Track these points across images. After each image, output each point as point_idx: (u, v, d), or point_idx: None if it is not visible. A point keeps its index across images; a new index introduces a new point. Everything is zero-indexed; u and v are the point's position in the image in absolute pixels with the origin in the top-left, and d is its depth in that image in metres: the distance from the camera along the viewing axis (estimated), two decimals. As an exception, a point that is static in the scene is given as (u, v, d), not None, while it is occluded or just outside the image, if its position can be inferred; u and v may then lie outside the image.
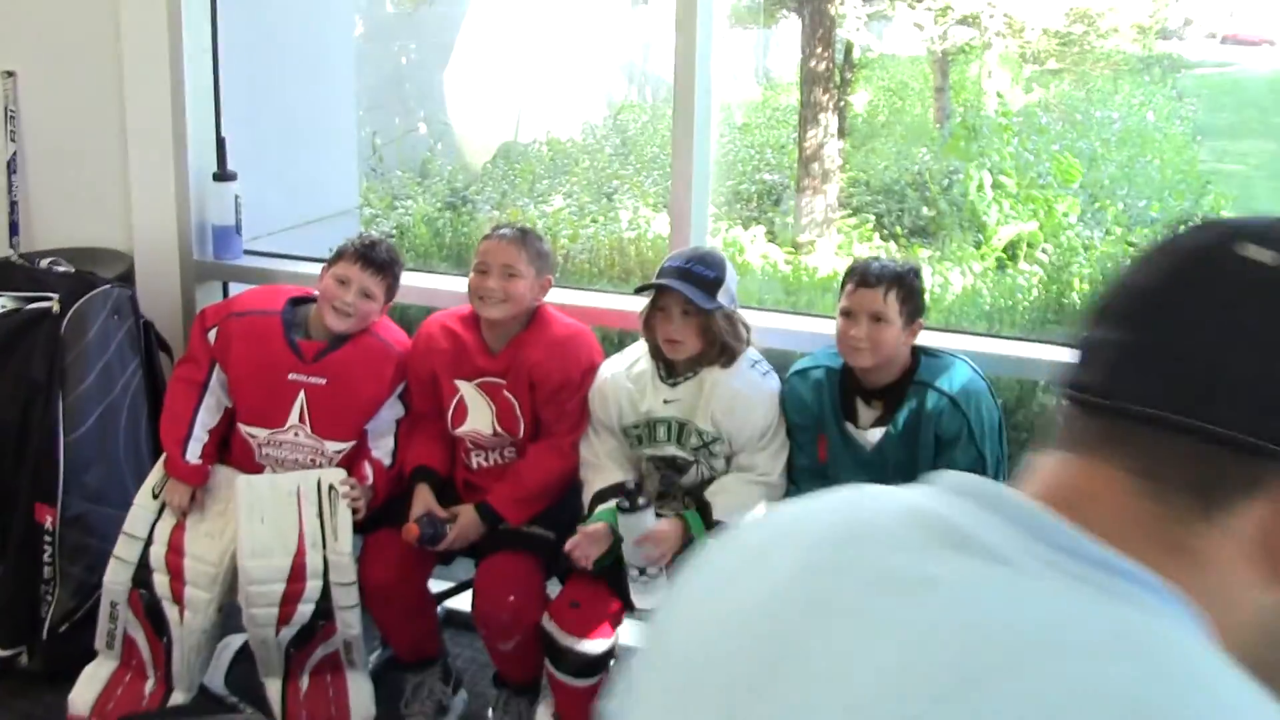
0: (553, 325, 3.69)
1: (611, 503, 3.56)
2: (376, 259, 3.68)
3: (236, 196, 4.36)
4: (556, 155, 8.37)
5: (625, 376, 3.47)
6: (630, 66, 10.03)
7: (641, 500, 3.26)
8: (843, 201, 7.81)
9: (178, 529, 3.72)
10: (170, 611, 3.64)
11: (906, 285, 3.30)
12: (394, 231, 6.03)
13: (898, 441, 3.38)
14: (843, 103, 7.98)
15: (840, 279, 3.51)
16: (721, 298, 3.31)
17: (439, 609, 3.97)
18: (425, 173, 7.60)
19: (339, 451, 3.68)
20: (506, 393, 3.63)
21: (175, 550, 3.66)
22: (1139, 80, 9.35)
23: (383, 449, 3.77)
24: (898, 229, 7.34)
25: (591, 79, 9.61)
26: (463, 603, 3.97)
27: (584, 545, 3.40)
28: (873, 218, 7.72)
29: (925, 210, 7.61)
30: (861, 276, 3.34)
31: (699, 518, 3.40)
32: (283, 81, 4.75)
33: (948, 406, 3.34)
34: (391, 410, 3.77)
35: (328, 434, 3.66)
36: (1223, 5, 10.37)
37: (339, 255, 3.67)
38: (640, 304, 4.12)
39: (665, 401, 3.40)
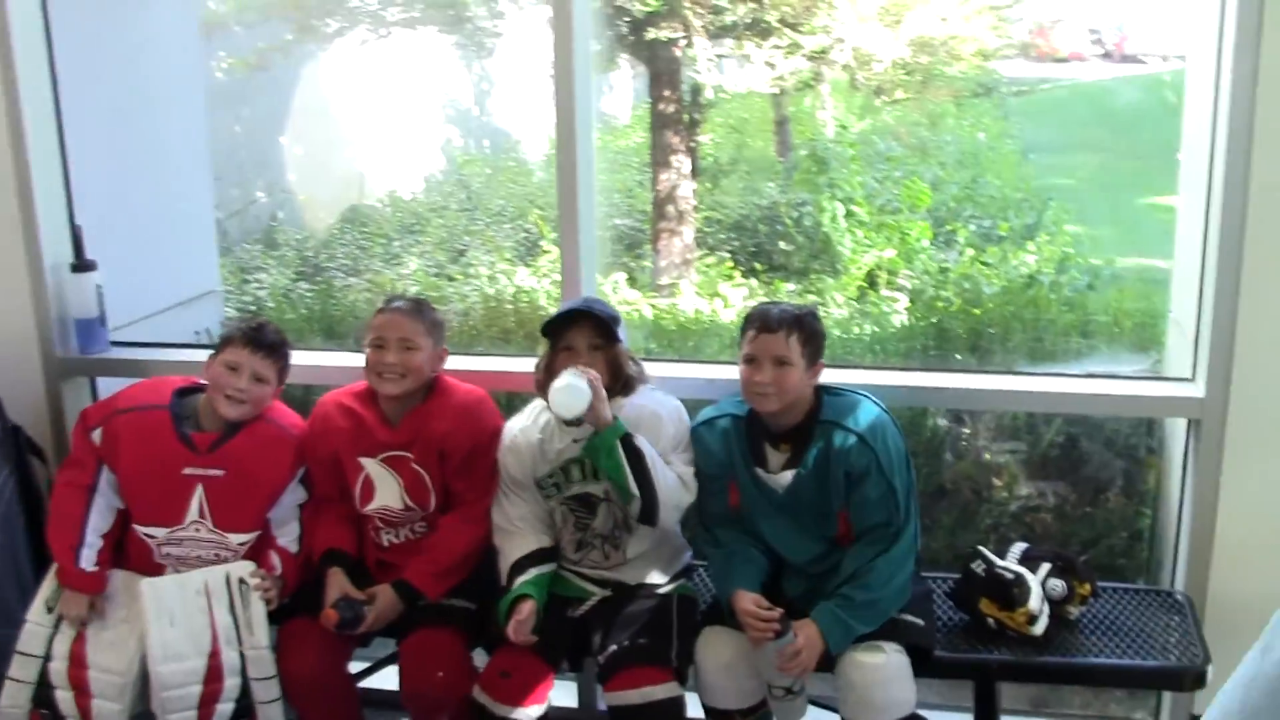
0: (454, 393, 3.66)
1: (531, 573, 3.51)
2: (266, 341, 3.61)
3: (98, 286, 4.22)
4: (403, 215, 8.26)
5: (534, 429, 3.50)
6: (465, 118, 9.97)
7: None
8: (699, 241, 7.82)
9: (78, 641, 3.58)
10: (76, 729, 3.39)
11: (807, 327, 3.36)
12: (255, 308, 5.84)
13: (809, 481, 3.40)
14: (693, 143, 7.99)
15: (740, 324, 3.55)
16: (620, 332, 3.34)
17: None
18: (271, 243, 7.44)
19: (243, 544, 3.59)
20: (414, 465, 3.58)
21: (77, 664, 3.54)
22: (972, 104, 9.53)
23: (288, 536, 3.69)
24: (757, 265, 7.35)
25: (428, 133, 9.53)
26: (380, 681, 3.88)
27: (521, 631, 3.37)
28: (727, 255, 7.74)
29: (782, 245, 7.66)
30: (762, 322, 3.38)
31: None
32: (134, 162, 4.61)
33: (856, 443, 3.37)
34: (293, 495, 3.69)
35: (230, 527, 3.57)
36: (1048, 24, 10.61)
37: (225, 341, 3.60)
38: (524, 365, 4.09)
39: (575, 441, 3.41)
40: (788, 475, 3.49)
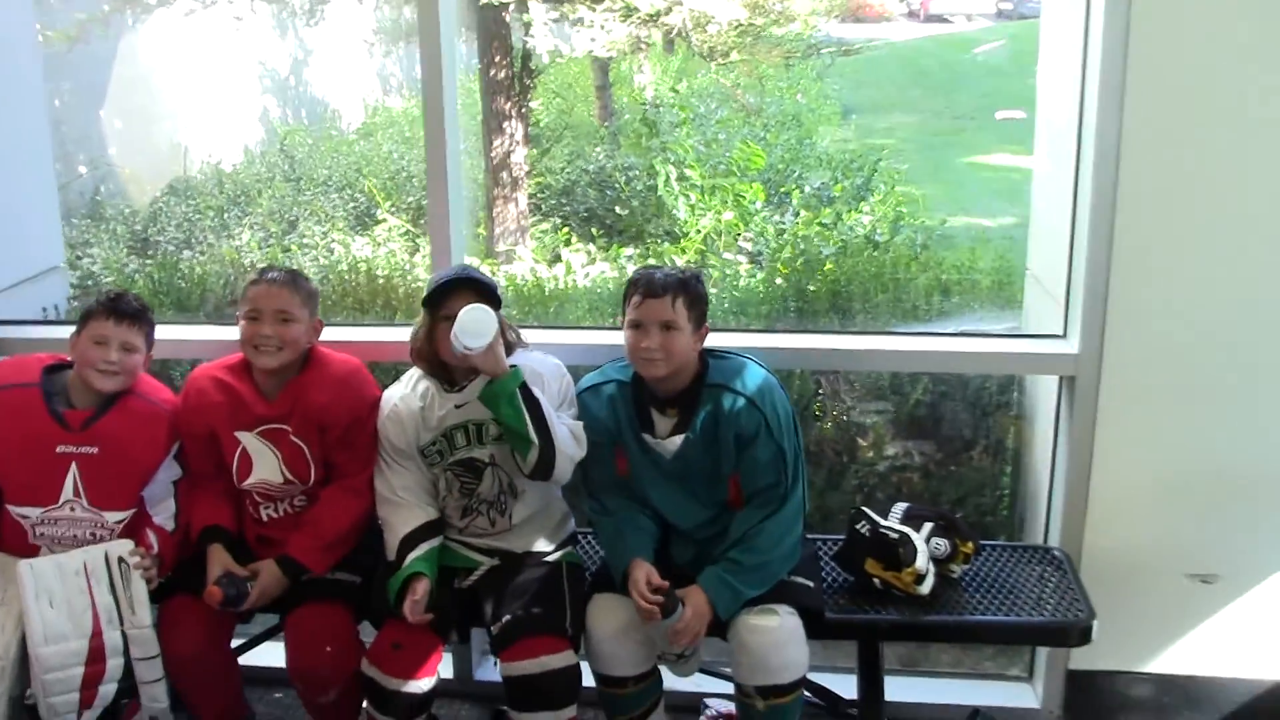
0: (330, 363, 3.56)
1: (422, 549, 3.40)
2: (129, 310, 3.49)
3: (-57, 264, 3.94)
4: (231, 187, 8.00)
5: (414, 397, 3.39)
6: (283, 88, 9.71)
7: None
8: (532, 208, 7.71)
9: (-47, 626, 3.31)
10: (-47, 715, 3.22)
11: (692, 290, 3.30)
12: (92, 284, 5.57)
13: (698, 446, 3.34)
14: (525, 109, 7.86)
15: (623, 290, 3.44)
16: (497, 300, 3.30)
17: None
18: (98, 217, 7.13)
19: (119, 522, 3.44)
20: (293, 438, 3.47)
21: (-47, 648, 3.21)
22: (794, 66, 9.57)
23: (163, 514, 3.54)
24: (593, 230, 7.27)
25: (247, 104, 9.26)
26: (261, 657, 3.77)
27: (417, 611, 3.27)
28: (559, 221, 7.65)
29: (617, 210, 7.58)
30: (647, 286, 3.30)
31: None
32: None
33: (745, 406, 3.32)
34: (168, 472, 3.53)
35: (105, 504, 3.43)
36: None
37: (87, 316, 3.48)
38: (395, 335, 3.94)
39: (456, 407, 3.33)
40: (676, 440, 3.42)
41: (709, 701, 3.96)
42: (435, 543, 3.50)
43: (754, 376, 3.42)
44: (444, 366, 3.45)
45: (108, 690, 3.41)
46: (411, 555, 3.43)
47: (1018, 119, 10.92)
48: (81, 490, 3.47)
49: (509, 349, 3.42)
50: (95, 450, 3.47)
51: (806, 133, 9.21)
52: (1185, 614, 3.94)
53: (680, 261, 6.45)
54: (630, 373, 3.48)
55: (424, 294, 3.45)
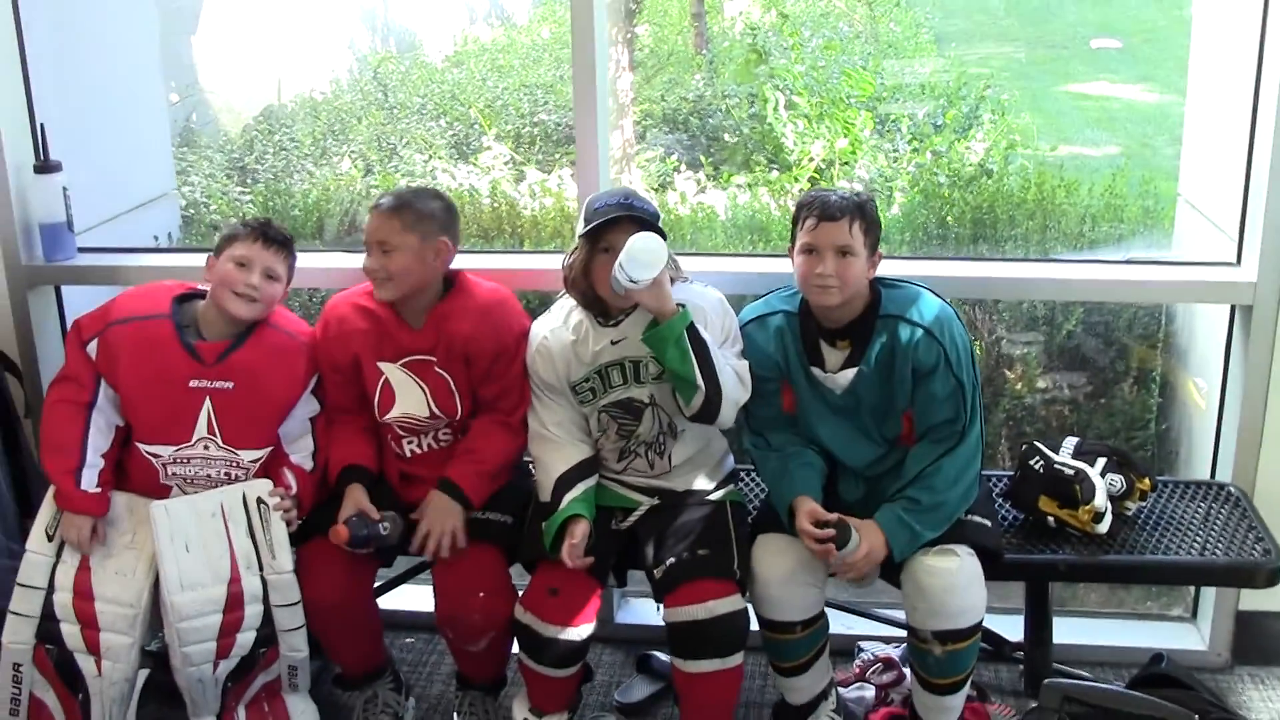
0: (475, 292, 3.44)
1: (579, 489, 3.31)
2: (275, 235, 3.40)
3: (65, 189, 3.89)
4: (328, 115, 7.91)
5: (565, 330, 3.21)
6: (371, 17, 9.60)
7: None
8: (639, 135, 7.57)
9: (82, 571, 3.30)
10: (85, 664, 3.23)
11: (869, 214, 3.16)
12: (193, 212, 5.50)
13: (872, 379, 3.22)
14: (630, 34, 7.71)
15: (792, 218, 3.29)
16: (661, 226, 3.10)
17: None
18: (191, 144, 7.05)
19: (255, 460, 3.32)
20: (438, 369, 3.35)
21: (83, 595, 3.23)
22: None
23: (302, 452, 3.42)
24: (702, 157, 7.13)
25: (334, 33, 9.17)
26: (400, 601, 3.71)
27: (576, 554, 3.18)
28: (661, 150, 7.51)
29: (725, 137, 7.44)
30: (823, 209, 3.16)
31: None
32: (89, 58, 4.27)
33: (923, 337, 3.19)
34: (305, 408, 3.40)
35: (241, 443, 3.30)
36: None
37: (231, 238, 3.36)
38: (545, 262, 3.84)
39: (613, 343, 3.16)
40: (848, 374, 3.29)
41: (864, 645, 3.84)
42: (592, 482, 3.35)
43: (930, 306, 3.28)
44: (599, 300, 3.26)
45: (245, 638, 3.30)
46: (568, 496, 3.28)
47: (1113, 48, 10.73)
48: (216, 428, 3.34)
49: (670, 282, 3.27)
50: (230, 385, 3.35)
51: (905, 62, 9.02)
52: (1357, 553, 3.80)
53: (795, 190, 6.32)
54: (798, 302, 3.35)
55: (581, 223, 3.26)
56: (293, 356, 3.43)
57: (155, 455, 3.35)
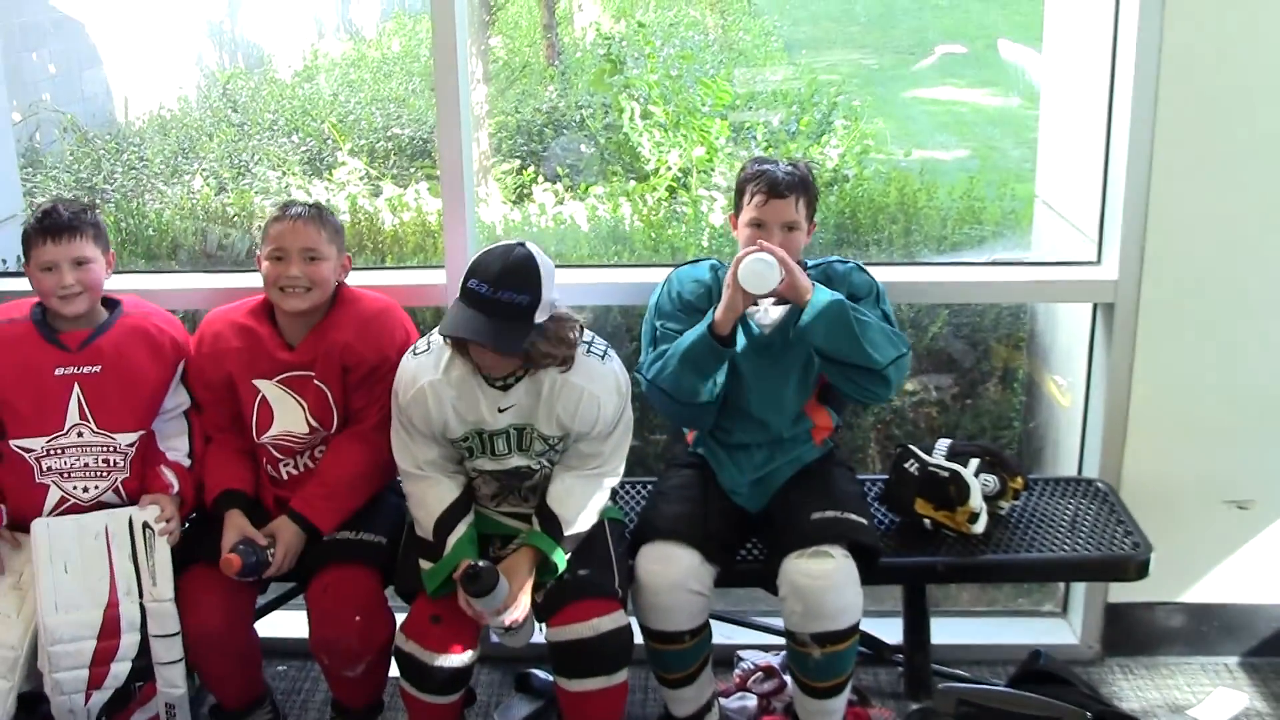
0: (360, 301, 3.36)
1: (460, 529, 3.23)
2: (63, 224, 3.24)
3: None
4: (178, 133, 7.73)
5: (445, 383, 3.05)
6: (218, 32, 9.42)
7: (487, 580, 2.94)
8: (494, 148, 7.52)
9: (-42, 611, 3.12)
10: (-43, 708, 3.00)
11: (810, 189, 3.21)
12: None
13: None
14: (484, 46, 7.66)
15: (735, 186, 3.34)
16: (540, 315, 2.98)
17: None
18: (37, 164, 6.83)
19: (131, 444, 3.23)
20: (316, 382, 3.28)
21: (-41, 637, 3.03)
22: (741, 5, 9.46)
23: (179, 450, 3.35)
24: (560, 169, 7.10)
25: (180, 49, 8.97)
26: (275, 627, 3.63)
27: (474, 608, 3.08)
28: (518, 162, 7.48)
29: (582, 148, 7.42)
30: (771, 187, 3.18)
31: (547, 537, 3.10)
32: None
33: (855, 269, 3.31)
34: (175, 398, 3.32)
35: (116, 425, 3.23)
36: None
37: (25, 244, 3.23)
38: (415, 278, 3.78)
39: (500, 410, 3.03)
40: (780, 310, 3.32)
41: (743, 654, 3.83)
42: (471, 517, 3.25)
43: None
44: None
45: (120, 669, 3.17)
46: (451, 539, 3.17)
47: (958, 53, 10.92)
48: (88, 412, 3.25)
49: (565, 359, 3.11)
50: (98, 369, 3.26)
51: (755, 70, 9.09)
52: (1221, 541, 3.90)
53: (652, 200, 6.33)
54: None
55: (460, 285, 3.03)
56: (157, 337, 3.36)
57: (28, 450, 3.25)
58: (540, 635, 3.22)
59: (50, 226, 3.25)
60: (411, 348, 3.22)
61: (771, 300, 3.24)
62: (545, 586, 3.15)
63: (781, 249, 3.18)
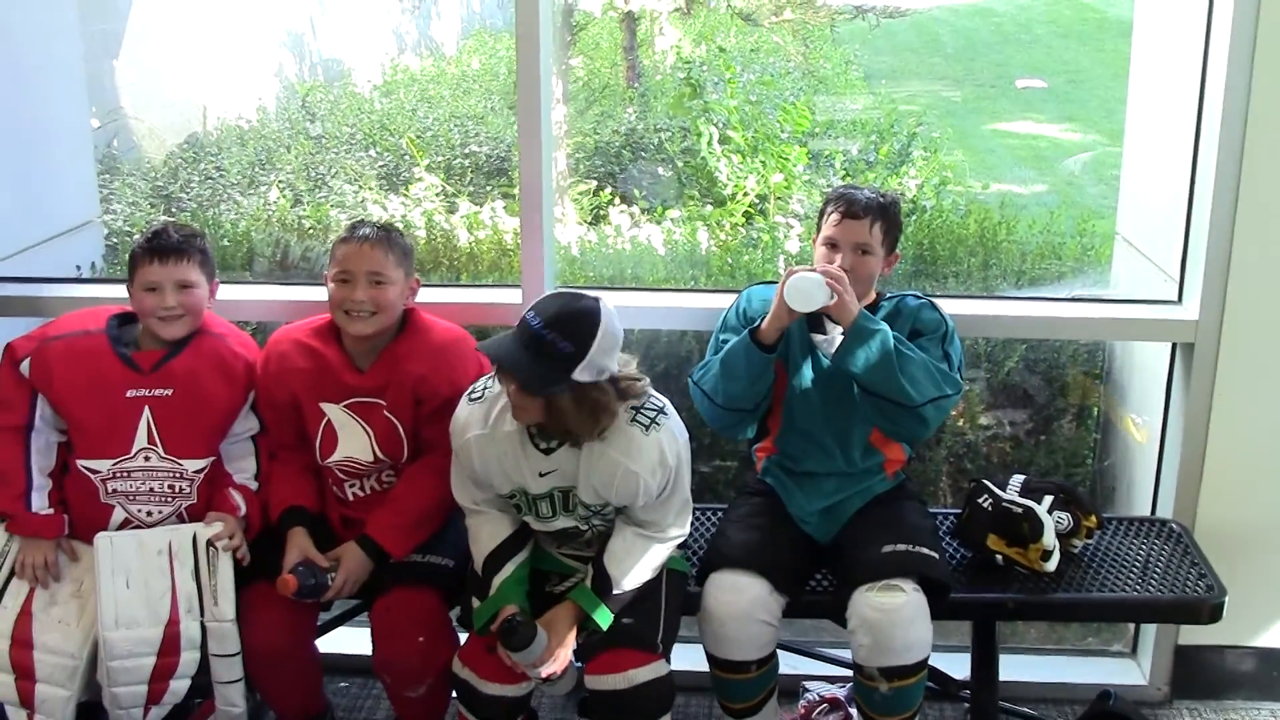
0: (431, 331, 3.33)
1: (509, 569, 3.16)
2: (170, 246, 3.23)
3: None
4: (256, 143, 7.81)
5: (490, 440, 2.98)
6: (298, 44, 9.51)
7: (524, 634, 2.92)
8: (571, 168, 7.55)
9: (23, 617, 3.21)
10: (16, 717, 3.08)
11: (890, 216, 3.21)
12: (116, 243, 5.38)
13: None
14: (565, 66, 7.70)
15: (820, 207, 3.34)
16: (582, 374, 2.90)
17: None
18: (114, 171, 6.91)
19: (199, 471, 3.22)
20: (387, 413, 3.24)
21: (21, 644, 3.12)
22: (819, 30, 9.46)
23: (246, 472, 3.34)
24: (636, 191, 7.12)
25: (261, 60, 9.06)
26: (327, 643, 3.60)
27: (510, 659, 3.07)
28: (594, 183, 7.50)
29: (660, 171, 7.44)
30: (848, 207, 3.19)
31: (593, 595, 3.05)
32: (7, 81, 4.17)
33: (927, 305, 3.29)
34: (245, 424, 3.31)
35: (183, 452, 3.21)
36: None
37: (132, 263, 3.22)
38: (489, 296, 3.79)
39: (541, 475, 2.97)
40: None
41: (809, 685, 3.81)
42: (523, 556, 3.20)
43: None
44: None
45: (179, 686, 3.19)
46: (498, 579, 3.14)
47: (1037, 87, 10.87)
48: (157, 437, 3.24)
49: (601, 424, 3.00)
50: (170, 393, 3.25)
51: (835, 98, 9.10)
52: (1293, 587, 3.85)
53: (727, 225, 6.33)
54: None
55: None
56: (232, 363, 3.35)
57: (94, 471, 3.25)
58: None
59: (158, 247, 3.26)
60: (469, 390, 3.15)
61: (840, 330, 3.23)
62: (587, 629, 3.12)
63: (841, 270, 3.19)
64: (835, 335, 3.27)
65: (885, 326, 3.19)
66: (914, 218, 5.81)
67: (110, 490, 3.27)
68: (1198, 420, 3.71)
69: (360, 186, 6.99)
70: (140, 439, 3.25)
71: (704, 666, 3.30)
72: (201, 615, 3.20)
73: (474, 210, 6.07)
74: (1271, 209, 3.56)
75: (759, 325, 3.24)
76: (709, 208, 6.73)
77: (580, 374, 2.88)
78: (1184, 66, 3.72)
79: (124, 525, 3.28)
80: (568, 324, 2.89)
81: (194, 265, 3.30)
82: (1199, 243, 3.65)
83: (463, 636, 3.27)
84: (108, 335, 3.28)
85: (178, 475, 3.28)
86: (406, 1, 10.37)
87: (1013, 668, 3.82)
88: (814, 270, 3.17)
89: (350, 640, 3.73)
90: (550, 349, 2.87)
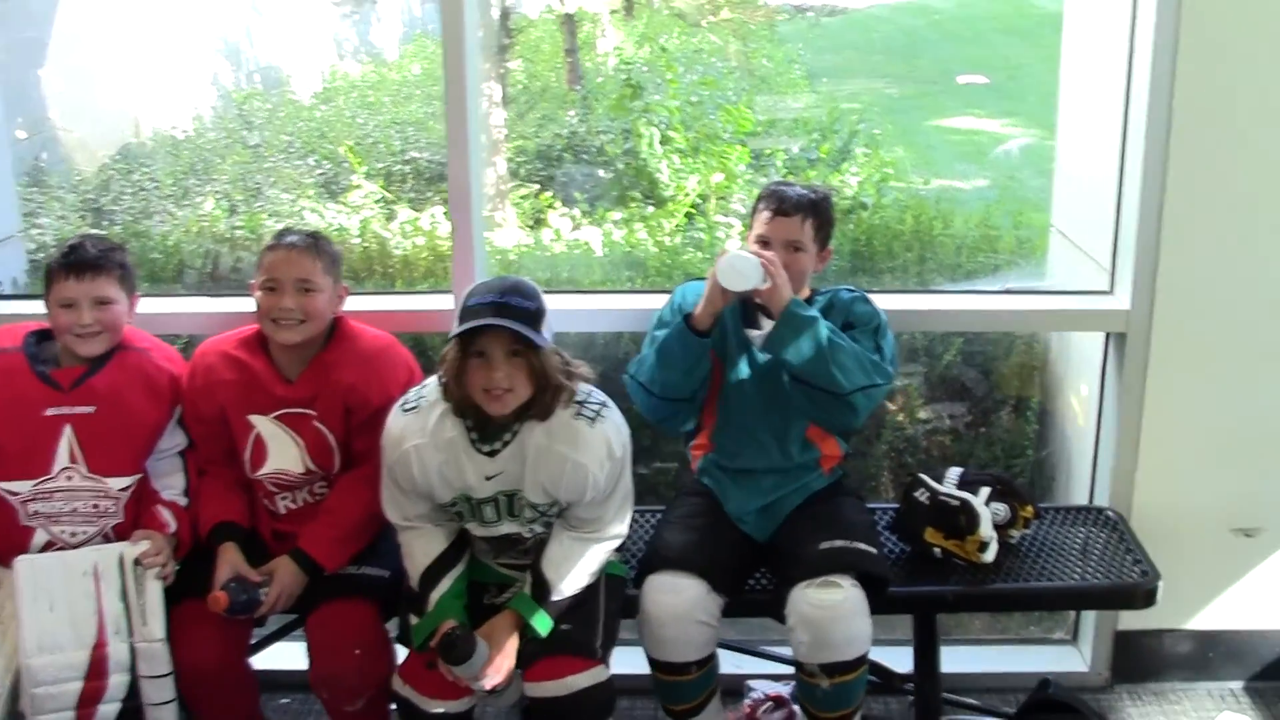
0: (360, 339, 3.29)
1: (445, 584, 3.11)
2: (87, 261, 3.15)
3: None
4: (190, 153, 7.73)
5: (432, 447, 2.93)
6: (235, 52, 9.41)
7: (463, 649, 2.87)
8: (512, 172, 7.52)
9: (-62, 646, 3.06)
10: (-65, 755, 2.92)
11: (822, 213, 3.19)
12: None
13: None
14: (503, 69, 7.67)
15: (752, 204, 3.36)
16: (546, 332, 2.94)
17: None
18: (41, 184, 6.82)
19: (125, 489, 3.15)
20: (317, 424, 3.20)
21: (-61, 672, 2.98)
22: (760, 30, 9.46)
23: (174, 489, 3.26)
24: (577, 194, 7.10)
25: (196, 68, 8.96)
26: (266, 660, 3.53)
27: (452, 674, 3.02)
28: (536, 186, 7.47)
29: (600, 173, 7.42)
30: (779, 205, 3.19)
31: (532, 602, 3.01)
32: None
33: (862, 298, 3.29)
34: (172, 439, 3.24)
35: (108, 470, 3.14)
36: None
37: (48, 279, 3.13)
38: (422, 303, 3.75)
39: (487, 478, 2.93)
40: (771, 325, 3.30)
41: (753, 684, 3.81)
42: (459, 569, 3.17)
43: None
44: (476, 407, 3.00)
45: (108, 710, 3.10)
46: (435, 594, 3.11)
47: (979, 83, 10.90)
48: (80, 455, 3.17)
49: (557, 393, 3.01)
50: (92, 410, 3.18)
51: (777, 97, 9.09)
52: (1228, 568, 3.92)
53: (669, 225, 6.32)
54: None
55: (455, 319, 2.98)
56: (156, 377, 3.29)
57: (13, 493, 3.17)
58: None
59: (75, 263, 3.18)
60: (401, 401, 3.11)
61: (773, 323, 3.23)
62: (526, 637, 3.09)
63: (777, 262, 3.20)
64: (769, 330, 3.27)
65: (816, 314, 3.20)
66: (853, 215, 5.84)
67: (31, 512, 3.20)
68: (1131, 409, 3.74)
69: (298, 195, 6.93)
70: (62, 458, 3.18)
71: (646, 669, 3.28)
72: (130, 636, 3.13)
73: (413, 217, 6.03)
74: (1199, 198, 3.59)
75: (693, 310, 3.23)
76: (650, 209, 6.71)
77: (545, 331, 2.94)
78: (1111, 58, 3.75)
79: (47, 547, 3.21)
80: (516, 288, 2.95)
81: (112, 280, 3.23)
82: (1129, 233, 3.68)
83: (402, 651, 3.24)
84: (25, 353, 3.22)
85: (102, 494, 3.22)
86: (345, 7, 10.30)
87: (956, 659, 3.82)
88: (749, 252, 3.18)
89: (289, 655, 3.68)
90: (518, 309, 2.90)
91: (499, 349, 2.91)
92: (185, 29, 8.83)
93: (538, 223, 6.77)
